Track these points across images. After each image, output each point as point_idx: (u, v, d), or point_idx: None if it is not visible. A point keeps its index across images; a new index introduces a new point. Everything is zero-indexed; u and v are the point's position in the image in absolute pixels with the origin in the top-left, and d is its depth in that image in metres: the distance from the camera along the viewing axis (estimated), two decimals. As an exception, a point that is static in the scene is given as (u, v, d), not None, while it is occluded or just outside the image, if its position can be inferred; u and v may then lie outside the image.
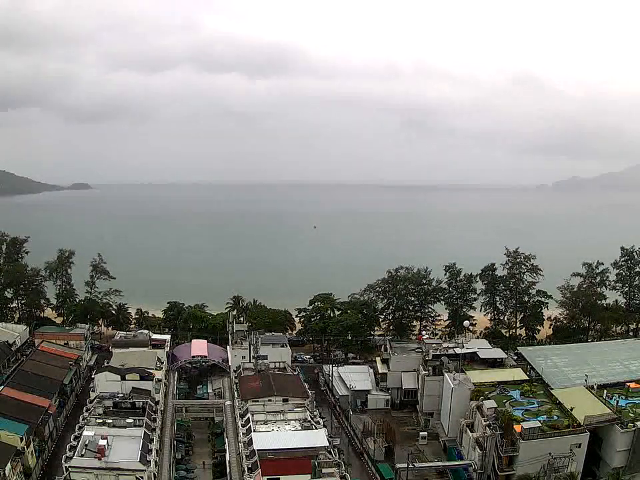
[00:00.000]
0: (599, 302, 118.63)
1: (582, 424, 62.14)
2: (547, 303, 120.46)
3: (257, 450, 58.38)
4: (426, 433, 76.56)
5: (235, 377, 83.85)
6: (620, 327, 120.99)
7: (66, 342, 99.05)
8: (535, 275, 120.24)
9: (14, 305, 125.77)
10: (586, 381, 72.68)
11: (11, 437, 60.57)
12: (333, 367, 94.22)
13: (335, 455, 60.94)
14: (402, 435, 76.10)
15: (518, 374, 79.08)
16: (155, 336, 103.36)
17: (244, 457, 59.75)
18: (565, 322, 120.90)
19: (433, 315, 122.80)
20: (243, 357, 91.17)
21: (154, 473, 57.90)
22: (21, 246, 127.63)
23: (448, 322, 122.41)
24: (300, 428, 65.62)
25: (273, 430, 65.27)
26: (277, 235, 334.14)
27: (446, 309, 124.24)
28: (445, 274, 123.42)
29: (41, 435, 69.23)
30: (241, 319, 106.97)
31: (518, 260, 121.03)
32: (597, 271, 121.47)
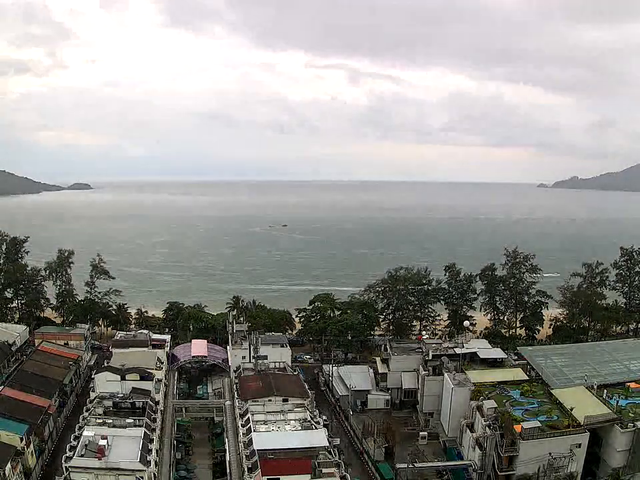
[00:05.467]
0: (599, 302, 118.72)
1: (582, 424, 62.17)
2: (547, 303, 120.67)
3: (257, 450, 58.35)
4: (426, 433, 76.49)
5: (235, 377, 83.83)
6: (620, 326, 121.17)
7: (66, 342, 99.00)
8: (534, 274, 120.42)
9: (14, 304, 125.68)
10: (586, 380, 72.70)
11: (11, 437, 60.56)
12: (332, 367, 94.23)
13: (335, 455, 60.97)
14: (402, 435, 75.96)
15: (518, 374, 79.08)
16: (155, 336, 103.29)
17: (244, 457, 59.72)
18: (564, 322, 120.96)
19: (432, 315, 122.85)
20: (243, 357, 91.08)
21: (154, 473, 57.90)
22: (21, 246, 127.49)
23: (448, 322, 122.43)
24: (300, 428, 65.60)
25: (272, 430, 65.21)
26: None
27: (446, 309, 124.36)
28: (445, 274, 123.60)
29: (41, 435, 69.23)
30: (241, 319, 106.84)
31: (517, 260, 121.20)
32: (597, 271, 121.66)
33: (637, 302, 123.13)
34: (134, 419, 65.56)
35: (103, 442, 57.21)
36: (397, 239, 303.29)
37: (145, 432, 62.30)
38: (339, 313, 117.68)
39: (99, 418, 66.49)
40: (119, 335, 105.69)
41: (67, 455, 57.50)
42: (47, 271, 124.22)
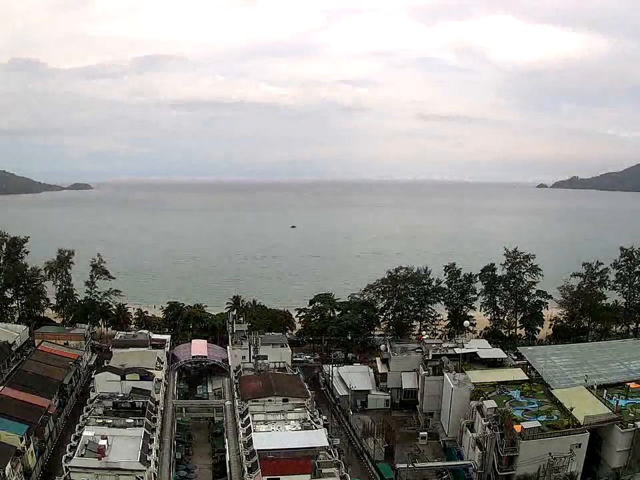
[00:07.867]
0: (599, 302, 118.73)
1: (582, 424, 62.15)
2: (547, 303, 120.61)
3: (257, 450, 58.35)
4: (426, 433, 76.50)
5: (235, 377, 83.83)
6: (620, 327, 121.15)
7: (66, 342, 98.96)
8: (534, 274, 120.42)
9: (14, 305, 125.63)
10: (586, 381, 72.72)
11: (10, 437, 60.52)
12: (332, 367, 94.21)
13: (335, 455, 60.96)
14: (402, 435, 76.03)
15: (518, 374, 79.02)
16: (155, 336, 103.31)
17: (244, 457, 59.72)
18: (565, 322, 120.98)
19: (432, 314, 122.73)
20: (243, 357, 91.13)
21: (154, 473, 57.87)
22: (21, 246, 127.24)
23: (448, 322, 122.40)
24: (300, 428, 65.59)
25: (272, 430, 65.21)
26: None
27: (446, 309, 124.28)
28: (445, 274, 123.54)
29: (41, 435, 69.20)
30: (241, 319, 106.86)
31: (517, 260, 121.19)
32: (597, 271, 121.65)
33: (637, 302, 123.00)
34: (134, 419, 65.45)
35: (102, 442, 57.20)
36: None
37: (145, 432, 62.28)
38: (339, 312, 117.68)
39: (99, 418, 66.38)
40: (119, 335, 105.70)
41: (67, 454, 57.46)
42: (47, 271, 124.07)
